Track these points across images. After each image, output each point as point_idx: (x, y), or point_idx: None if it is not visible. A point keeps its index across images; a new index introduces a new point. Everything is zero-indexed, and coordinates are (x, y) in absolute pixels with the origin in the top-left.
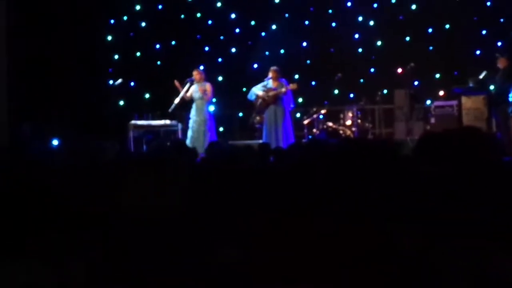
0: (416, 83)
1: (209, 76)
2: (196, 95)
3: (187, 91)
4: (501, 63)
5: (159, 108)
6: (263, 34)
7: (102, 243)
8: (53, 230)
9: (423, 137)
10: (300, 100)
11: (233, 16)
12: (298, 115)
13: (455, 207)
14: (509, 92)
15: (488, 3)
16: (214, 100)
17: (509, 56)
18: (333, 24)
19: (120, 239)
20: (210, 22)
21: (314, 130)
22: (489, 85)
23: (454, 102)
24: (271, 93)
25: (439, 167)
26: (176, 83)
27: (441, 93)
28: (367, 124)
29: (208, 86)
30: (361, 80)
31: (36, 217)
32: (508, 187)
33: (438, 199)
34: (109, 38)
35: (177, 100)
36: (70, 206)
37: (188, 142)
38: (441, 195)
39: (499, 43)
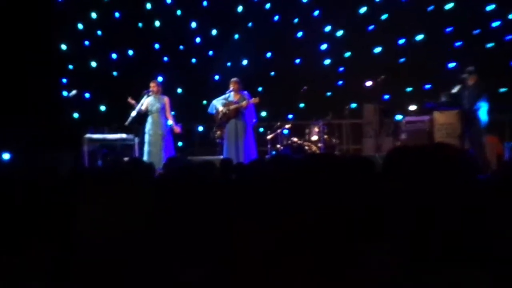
0: (386, 96)
1: (167, 88)
2: (153, 108)
3: (143, 103)
4: (470, 80)
5: (115, 121)
6: (225, 44)
7: (58, 263)
8: (4, 250)
9: (392, 152)
10: (264, 114)
11: (193, 25)
12: (261, 129)
13: (425, 226)
14: (479, 109)
15: (462, 14)
16: (172, 113)
17: (478, 72)
18: (299, 34)
19: (77, 260)
20: (169, 31)
21: (278, 146)
22: (463, 100)
23: (426, 117)
24: (232, 107)
25: (408, 184)
26: (130, 100)
27: (412, 107)
28: (334, 140)
29: (166, 100)
30: (328, 93)
31: None
32: (481, 206)
33: (407, 218)
34: (64, 47)
35: (134, 113)
36: (22, 224)
37: (145, 157)
38: (410, 213)
39: (474, 56)
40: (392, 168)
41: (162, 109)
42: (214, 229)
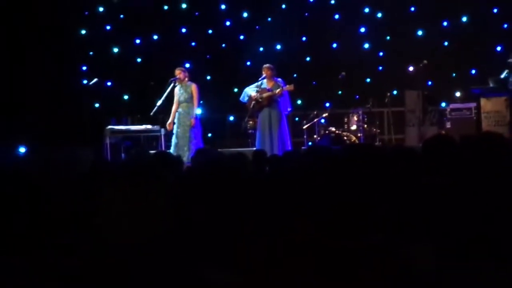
0: (429, 83)
1: (195, 75)
2: (181, 97)
3: (171, 92)
4: None
5: (139, 111)
6: (257, 27)
7: (79, 268)
8: (23, 255)
9: (430, 142)
10: (299, 102)
11: (223, 7)
12: (296, 119)
13: (472, 223)
14: None
15: None
16: (201, 102)
17: None
18: (336, 16)
19: (99, 264)
20: (197, 13)
21: (315, 136)
22: (510, 85)
23: (472, 104)
24: (265, 94)
25: (452, 179)
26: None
27: (458, 94)
28: (374, 129)
29: (193, 88)
30: (368, 80)
31: None
32: None
33: (453, 215)
34: (83, 32)
35: (159, 102)
36: (39, 228)
37: (172, 149)
38: (456, 210)
39: None
40: (431, 159)
41: (190, 98)
42: (246, 228)
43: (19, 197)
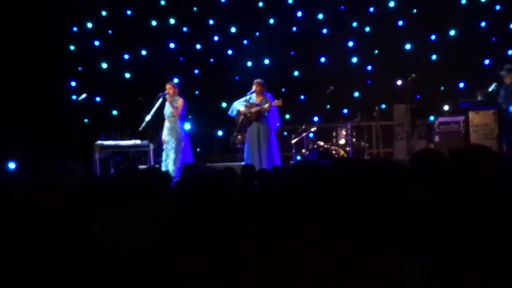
0: (418, 96)
1: (184, 90)
2: (168, 111)
3: (160, 107)
4: (508, 78)
5: (128, 127)
6: (245, 42)
7: (68, 281)
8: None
9: (417, 156)
10: (287, 116)
11: (211, 22)
12: (285, 133)
13: (461, 235)
14: None
15: (498, 7)
16: (190, 117)
17: None
18: (324, 31)
19: (89, 277)
20: (185, 29)
21: (303, 151)
22: (499, 99)
23: (461, 118)
24: (254, 109)
25: (441, 193)
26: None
27: (446, 107)
28: (362, 143)
29: (180, 102)
30: (356, 94)
31: None
32: None
33: (442, 227)
34: (72, 47)
35: (148, 117)
36: (30, 240)
37: (162, 165)
38: (446, 223)
39: (510, 51)
40: (418, 173)
41: (178, 112)
42: (235, 241)
43: (8, 212)
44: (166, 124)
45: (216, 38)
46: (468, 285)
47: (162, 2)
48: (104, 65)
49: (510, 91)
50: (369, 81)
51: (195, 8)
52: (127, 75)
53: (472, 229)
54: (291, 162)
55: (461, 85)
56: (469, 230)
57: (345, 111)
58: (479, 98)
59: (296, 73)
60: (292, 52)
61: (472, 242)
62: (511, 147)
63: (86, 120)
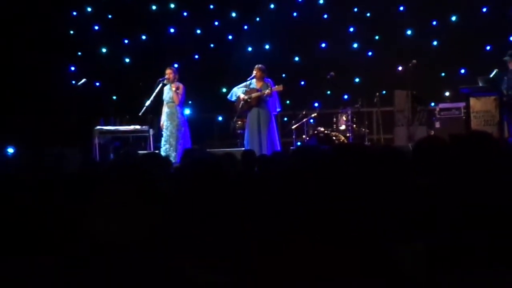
0: (418, 82)
1: (184, 75)
2: (167, 97)
3: (159, 92)
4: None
5: (127, 112)
6: (245, 27)
7: (66, 268)
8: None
9: (421, 142)
10: (288, 102)
11: (211, 6)
12: (285, 119)
13: (461, 222)
14: None
15: None
16: (189, 102)
17: None
18: (325, 16)
19: (88, 265)
20: (185, 13)
21: (304, 136)
22: (501, 85)
23: (462, 104)
24: (254, 94)
25: (442, 179)
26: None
27: (447, 93)
28: (363, 129)
29: (179, 87)
30: (357, 80)
31: None
32: None
33: (442, 213)
34: (71, 32)
35: (148, 103)
36: (27, 227)
37: (161, 150)
38: (445, 209)
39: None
40: (422, 160)
41: (178, 98)
42: (235, 229)
43: (8, 197)
44: (165, 109)
45: (216, 23)
46: (470, 275)
47: None
48: (104, 50)
49: None
50: (369, 67)
51: None
52: (127, 60)
53: (473, 216)
54: (291, 147)
55: (462, 71)
56: (470, 217)
57: (346, 97)
58: (480, 84)
59: (296, 58)
60: (293, 38)
61: (473, 230)
62: None
63: (85, 105)
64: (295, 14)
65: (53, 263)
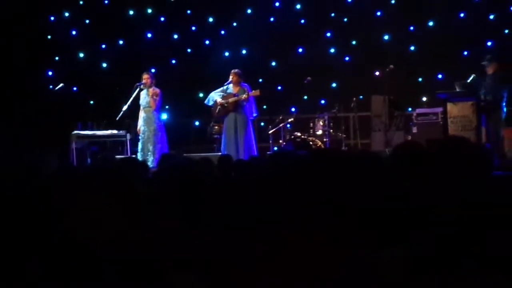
0: (395, 87)
1: (160, 80)
2: (143, 102)
3: (136, 97)
4: (490, 69)
5: (105, 117)
6: (222, 32)
7: (42, 273)
8: None
9: (399, 148)
10: (265, 107)
11: (188, 11)
12: (262, 124)
13: (440, 227)
14: (503, 98)
15: None
16: (166, 107)
17: (498, 59)
18: (302, 21)
19: (63, 269)
20: (162, 18)
21: (280, 141)
22: (478, 90)
23: (439, 109)
24: (231, 99)
25: (419, 183)
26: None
27: (424, 99)
28: (340, 134)
29: (155, 92)
30: (334, 85)
31: None
32: (496, 205)
33: (419, 219)
34: (49, 36)
35: (125, 107)
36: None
37: (138, 154)
38: (422, 214)
39: (489, 43)
40: (400, 165)
41: (154, 103)
42: (211, 232)
43: None
44: (142, 114)
45: (193, 28)
46: (449, 281)
47: None
48: (81, 55)
49: (494, 80)
50: (346, 72)
51: None
52: (104, 65)
53: (451, 221)
54: (268, 152)
55: (440, 76)
56: (447, 222)
57: (323, 102)
58: (458, 89)
59: (273, 63)
60: (270, 43)
61: (451, 234)
62: (491, 137)
63: (62, 110)
64: (272, 19)
65: (31, 266)
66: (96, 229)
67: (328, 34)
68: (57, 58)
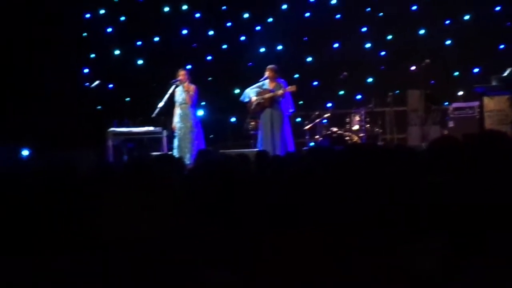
0: (432, 82)
1: (196, 77)
2: (179, 98)
3: (172, 93)
4: None
5: (141, 113)
6: (258, 28)
7: (81, 269)
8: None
9: (436, 142)
10: (301, 102)
11: (224, 7)
12: (298, 119)
13: (475, 223)
14: None
15: None
16: (203, 103)
17: None
18: (337, 16)
19: (102, 265)
20: (197, 15)
21: (317, 137)
22: None
23: (475, 103)
24: (267, 95)
25: (457, 177)
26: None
27: (460, 93)
28: (376, 129)
29: (191, 88)
30: (370, 79)
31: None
32: None
33: (457, 213)
34: (84, 34)
35: (161, 104)
36: (42, 228)
37: (175, 151)
38: (459, 209)
39: None
40: (436, 160)
41: (191, 99)
42: (248, 229)
43: (23, 199)
44: (178, 111)
45: (228, 24)
46: (485, 273)
47: None
48: (117, 52)
49: None
50: (382, 67)
51: None
52: (140, 62)
53: (488, 215)
54: (305, 148)
55: (476, 70)
56: (484, 216)
57: (359, 97)
58: (494, 83)
59: (309, 59)
60: (305, 38)
61: (487, 229)
62: None
63: (99, 107)
64: (307, 14)
65: (68, 263)
66: (132, 226)
67: (364, 29)
68: (93, 55)
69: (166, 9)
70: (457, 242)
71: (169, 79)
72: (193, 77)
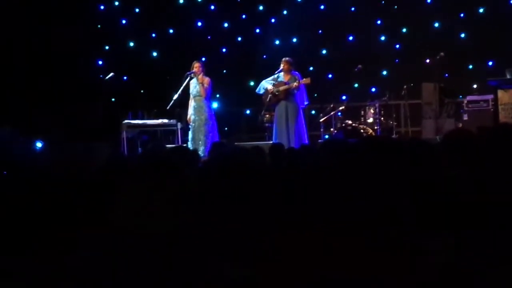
0: (446, 75)
1: (211, 69)
2: (194, 91)
3: (187, 86)
4: None
5: (155, 106)
6: (272, 20)
7: (95, 261)
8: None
9: (451, 134)
10: (315, 95)
11: (238, 0)
12: (313, 112)
13: (489, 215)
14: None
15: None
16: (217, 95)
17: None
18: (352, 9)
19: (115, 256)
20: (212, 7)
21: (331, 129)
22: None
23: (490, 96)
24: (282, 88)
25: (471, 170)
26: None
27: (475, 86)
28: (391, 122)
29: (206, 80)
30: (384, 72)
31: (17, 233)
32: None
33: (470, 206)
34: (99, 26)
35: (175, 96)
36: (56, 219)
37: (189, 143)
38: (473, 201)
39: None
40: (450, 153)
41: (205, 91)
42: (262, 223)
43: (36, 192)
44: (192, 103)
45: (243, 16)
46: (502, 268)
47: None
48: (131, 44)
49: None
50: (397, 60)
51: None
52: (154, 54)
53: (503, 209)
54: (319, 141)
55: (490, 63)
56: (499, 210)
57: (373, 89)
58: (508, 76)
59: (324, 51)
60: (320, 31)
61: (503, 222)
62: None
63: (113, 99)
64: (322, 7)
65: (81, 256)
66: (146, 219)
67: (379, 22)
68: (107, 47)
69: (181, 0)
70: (472, 236)
71: (183, 71)
72: (207, 69)
